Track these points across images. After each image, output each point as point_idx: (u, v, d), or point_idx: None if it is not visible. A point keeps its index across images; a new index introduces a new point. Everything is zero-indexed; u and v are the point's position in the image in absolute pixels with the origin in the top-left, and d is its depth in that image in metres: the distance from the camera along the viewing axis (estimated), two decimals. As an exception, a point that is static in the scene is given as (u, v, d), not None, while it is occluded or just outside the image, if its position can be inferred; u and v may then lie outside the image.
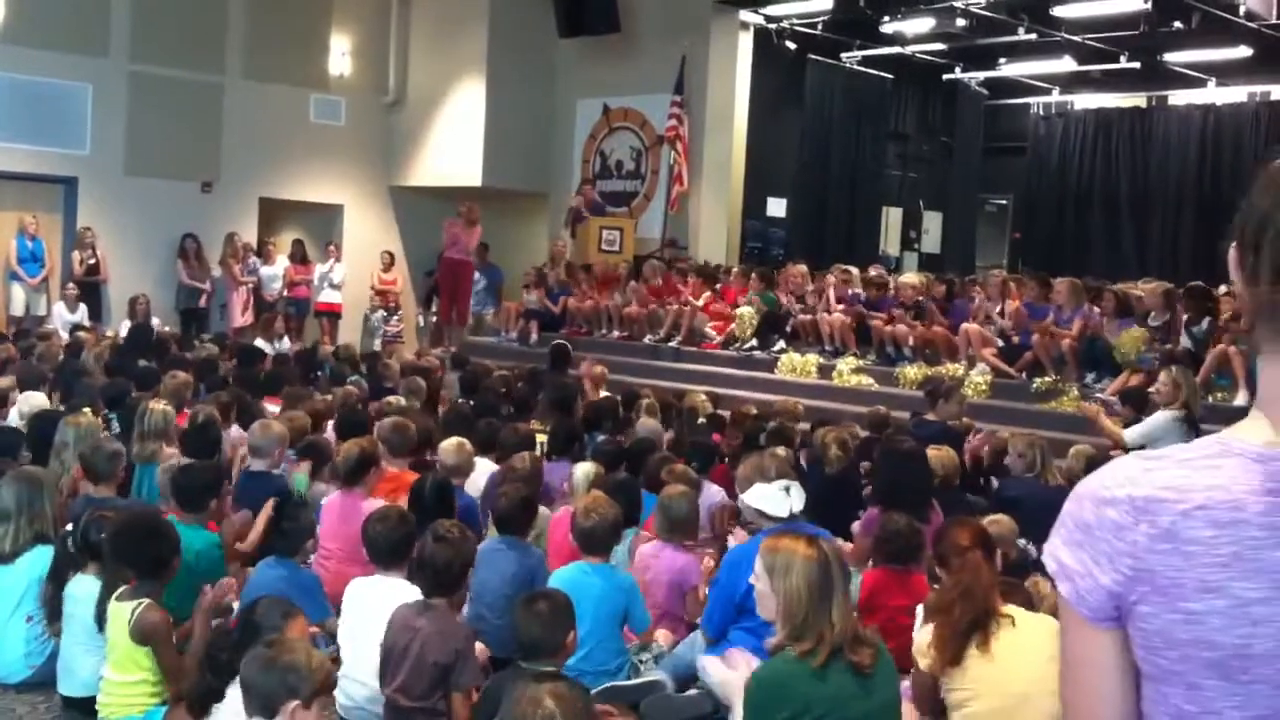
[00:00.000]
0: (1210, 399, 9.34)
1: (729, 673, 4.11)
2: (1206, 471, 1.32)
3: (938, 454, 6.83)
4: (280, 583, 4.80)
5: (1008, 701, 3.78)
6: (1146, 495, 1.33)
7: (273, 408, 8.45)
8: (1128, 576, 1.34)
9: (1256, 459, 1.30)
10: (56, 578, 4.93)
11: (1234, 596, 1.27)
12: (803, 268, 13.34)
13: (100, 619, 4.60)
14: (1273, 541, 1.27)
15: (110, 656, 4.46)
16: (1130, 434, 8.36)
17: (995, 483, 7.85)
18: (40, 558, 5.11)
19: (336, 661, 4.74)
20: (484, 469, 6.99)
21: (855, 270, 13.19)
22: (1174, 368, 8.73)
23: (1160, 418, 8.37)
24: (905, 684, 4.43)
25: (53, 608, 4.93)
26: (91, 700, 4.55)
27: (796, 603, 3.60)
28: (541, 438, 7.97)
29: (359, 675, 4.59)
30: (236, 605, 4.83)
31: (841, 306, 12.46)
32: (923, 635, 4.68)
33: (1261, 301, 1.31)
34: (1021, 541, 5.46)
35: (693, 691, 4.98)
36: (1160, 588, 1.31)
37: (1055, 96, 20.43)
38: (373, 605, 4.60)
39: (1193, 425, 8.23)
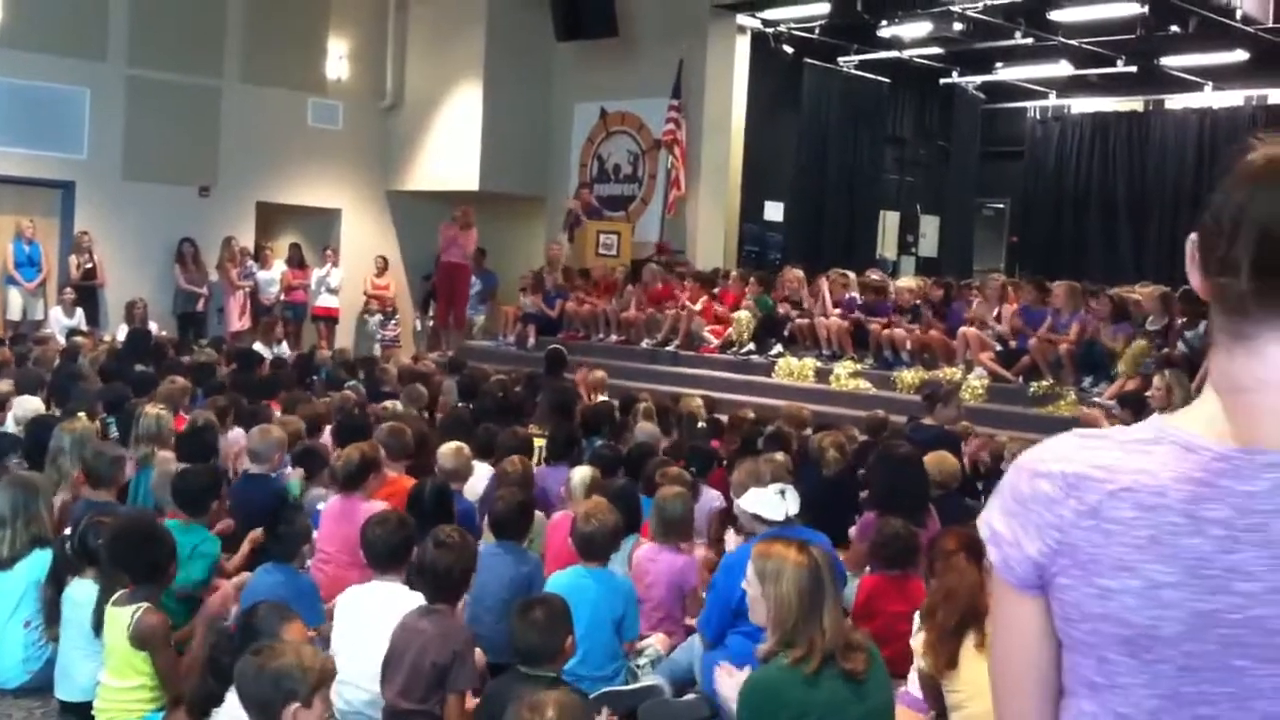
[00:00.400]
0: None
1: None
2: (1138, 455, 1.35)
3: (935, 459, 6.83)
4: (278, 588, 4.79)
5: None
6: (1078, 472, 1.36)
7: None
8: (1052, 549, 1.37)
9: (1187, 447, 1.33)
10: (55, 582, 4.93)
11: (1147, 578, 1.31)
12: (798, 272, 13.34)
13: (98, 624, 4.60)
14: (1190, 529, 1.29)
15: (108, 662, 4.46)
16: None
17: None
18: (38, 562, 5.10)
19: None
20: (483, 474, 6.99)
21: (852, 275, 13.19)
22: (1168, 372, 8.73)
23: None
24: (901, 689, 4.44)
25: (51, 612, 4.93)
26: (89, 705, 4.55)
27: (787, 610, 3.60)
28: (540, 442, 7.97)
29: (355, 680, 4.58)
30: (235, 610, 4.83)
31: (838, 311, 12.47)
32: (919, 639, 4.70)
33: (1227, 292, 1.33)
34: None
35: (690, 696, 4.98)
36: (1080, 562, 1.35)
37: (1052, 100, 20.44)
38: (369, 611, 4.60)
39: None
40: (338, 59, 17.03)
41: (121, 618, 4.38)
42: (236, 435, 7.83)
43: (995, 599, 1.47)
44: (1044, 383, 10.54)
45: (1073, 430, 1.45)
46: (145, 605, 4.39)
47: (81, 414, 7.50)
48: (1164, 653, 1.31)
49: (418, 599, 4.49)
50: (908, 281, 13.07)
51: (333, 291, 16.47)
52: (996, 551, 1.43)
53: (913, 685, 4.56)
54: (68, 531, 5.13)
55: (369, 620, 4.54)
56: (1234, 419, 1.33)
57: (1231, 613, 1.28)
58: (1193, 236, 1.41)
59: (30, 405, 8.11)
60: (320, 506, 6.31)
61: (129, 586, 4.55)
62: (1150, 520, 1.31)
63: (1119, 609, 1.32)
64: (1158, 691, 1.33)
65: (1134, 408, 8.99)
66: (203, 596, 5.21)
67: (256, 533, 5.63)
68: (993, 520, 1.45)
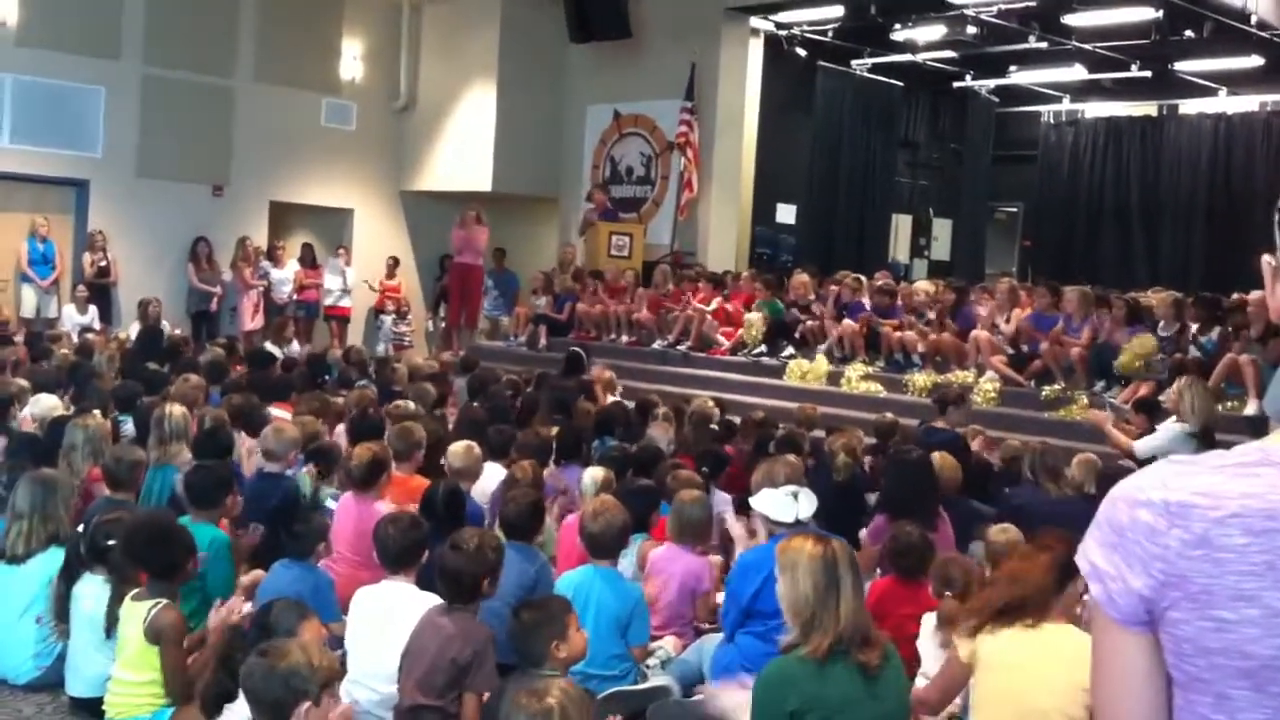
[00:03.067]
0: (1220, 408, 9.30)
1: (737, 693, 4.09)
2: (1243, 479, 1.30)
3: (941, 460, 6.82)
4: (295, 584, 4.81)
5: (1024, 711, 3.71)
6: (1180, 500, 1.31)
7: (280, 413, 8.45)
8: (1159, 581, 1.32)
9: None
10: (66, 578, 4.95)
11: (1267, 606, 1.26)
12: (804, 278, 13.33)
13: (110, 621, 4.62)
14: None
15: (121, 655, 4.47)
16: (1140, 445, 8.34)
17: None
18: (52, 559, 5.13)
19: (343, 666, 4.76)
20: (495, 474, 6.99)
21: (865, 279, 13.15)
22: (1183, 379, 8.69)
23: (1169, 430, 8.35)
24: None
25: (60, 608, 4.95)
26: (99, 701, 4.57)
27: (803, 601, 3.62)
28: (552, 442, 7.98)
29: (366, 680, 4.60)
30: (246, 607, 4.85)
31: (846, 321, 12.44)
32: (926, 642, 4.69)
33: None
34: (1028, 550, 5.44)
35: (699, 696, 4.99)
36: (1191, 594, 1.30)
37: (1066, 105, 20.40)
38: (380, 611, 4.61)
39: (1206, 438, 8.17)
40: (351, 59, 17.08)
41: (138, 612, 4.41)
42: (241, 435, 7.85)
43: (1098, 635, 1.41)
44: (1055, 386, 10.51)
45: (1165, 458, 1.40)
46: (164, 601, 4.41)
47: (96, 411, 7.52)
48: None
49: (430, 599, 4.50)
50: (921, 284, 13.04)
51: (345, 291, 16.52)
52: (1100, 587, 1.38)
53: (921, 683, 4.56)
54: (80, 528, 5.15)
55: (380, 620, 4.56)
56: None
57: None
58: (1269, 258, 1.36)
59: (47, 403, 8.14)
60: (331, 505, 6.34)
61: (142, 583, 4.58)
62: (1264, 545, 1.26)
63: (1239, 641, 1.27)
64: None
65: (1149, 412, 8.96)
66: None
67: (254, 538, 5.65)
68: (1091, 555, 1.40)
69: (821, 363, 12.10)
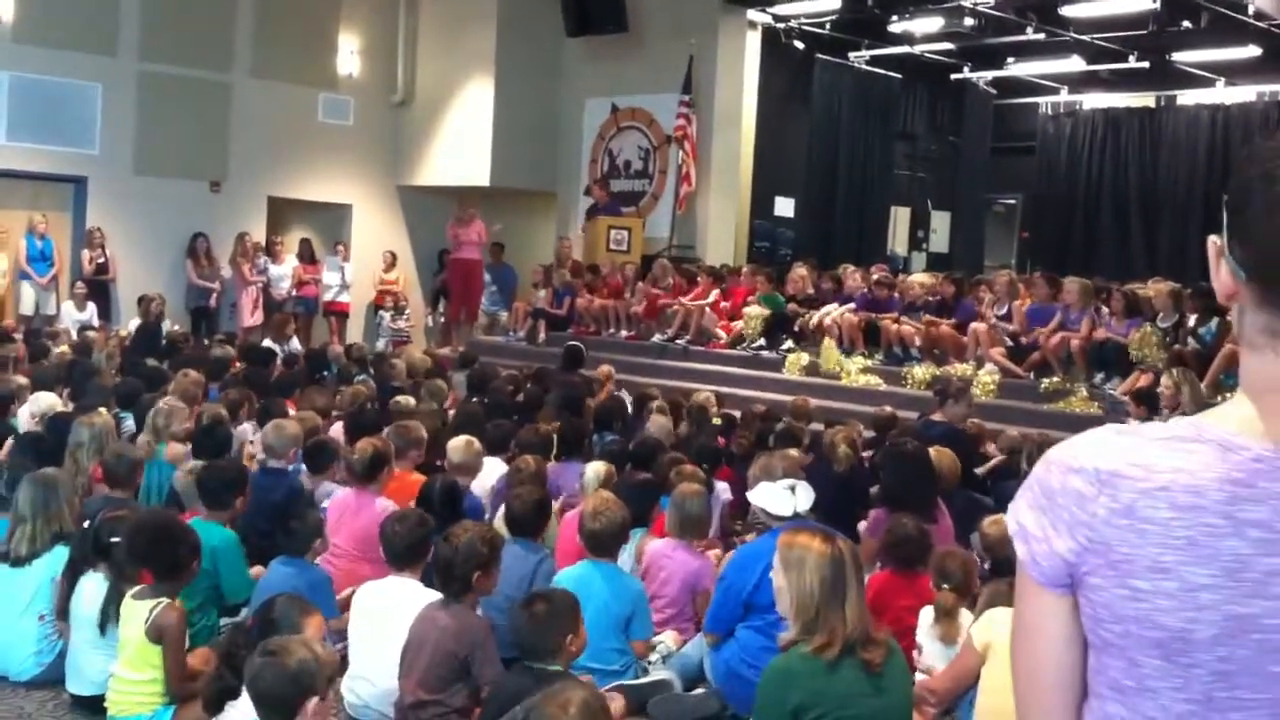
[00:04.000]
0: (1220, 399, 9.31)
1: None
2: (1176, 453, 1.31)
3: (938, 455, 6.83)
4: (291, 580, 4.82)
5: None
6: (1112, 469, 1.33)
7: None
8: (1083, 546, 1.34)
9: (1226, 447, 1.30)
10: (70, 576, 4.95)
11: (1183, 580, 1.28)
12: (804, 270, 13.33)
13: (105, 618, 4.62)
14: (1228, 530, 1.27)
15: (122, 654, 4.48)
16: None
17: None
18: (56, 558, 5.13)
19: (344, 660, 4.77)
20: (495, 469, 7.00)
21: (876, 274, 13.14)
22: (1175, 370, 8.71)
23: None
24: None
25: (63, 605, 4.96)
26: (100, 699, 4.57)
27: (809, 598, 3.61)
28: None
29: (368, 675, 4.61)
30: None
31: (851, 305, 12.45)
32: (925, 632, 4.70)
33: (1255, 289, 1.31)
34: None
35: (700, 691, 5.00)
36: (1113, 562, 1.32)
37: (1064, 96, 20.39)
38: (384, 605, 4.62)
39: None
40: (349, 54, 17.06)
41: (140, 611, 4.41)
42: (245, 429, 7.87)
43: (1020, 596, 1.44)
44: (1055, 379, 10.52)
45: (1106, 425, 1.42)
46: (165, 600, 4.41)
47: (101, 409, 7.53)
48: (1198, 656, 1.28)
49: (434, 595, 4.51)
50: (919, 277, 13.04)
51: (344, 286, 16.52)
52: (1024, 547, 1.40)
53: (920, 677, 4.56)
54: (85, 525, 5.15)
55: (384, 615, 4.57)
56: (1273, 420, 1.30)
57: (1270, 617, 1.26)
58: (1214, 239, 1.38)
59: (47, 401, 8.14)
60: (325, 503, 6.34)
61: (142, 581, 4.58)
62: (1187, 520, 1.28)
63: (1153, 610, 1.29)
64: (1189, 695, 1.30)
65: (1149, 404, 8.98)
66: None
67: None
68: (1020, 515, 1.42)
69: (831, 350, 12.07)
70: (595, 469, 6.44)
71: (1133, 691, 1.34)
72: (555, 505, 6.53)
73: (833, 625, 3.58)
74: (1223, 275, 1.37)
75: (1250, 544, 1.26)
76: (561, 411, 8.81)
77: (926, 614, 4.77)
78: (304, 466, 6.78)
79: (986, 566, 5.52)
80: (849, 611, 3.60)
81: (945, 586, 4.73)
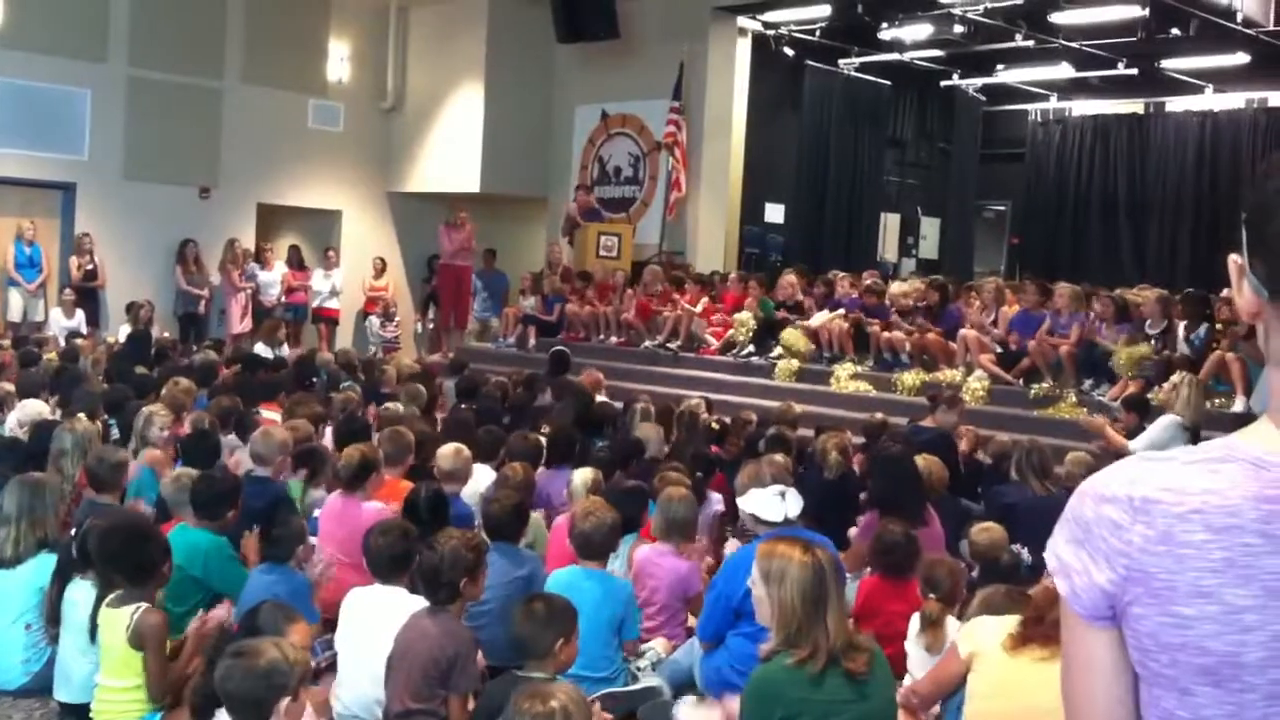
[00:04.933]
0: (1209, 405, 9.33)
1: (706, 712, 4.06)
2: (1206, 475, 1.30)
3: (925, 462, 6.83)
4: (273, 588, 4.80)
5: (1024, 707, 3.66)
6: (1145, 495, 1.32)
7: (270, 414, 8.44)
8: (1122, 576, 1.32)
9: (1257, 465, 1.28)
10: (59, 583, 4.93)
11: (1226, 603, 1.26)
12: (792, 278, 13.34)
13: (93, 625, 4.60)
14: (1267, 549, 1.25)
15: (105, 662, 4.46)
16: (1136, 443, 8.36)
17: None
18: (42, 565, 5.11)
19: (332, 667, 4.75)
20: (486, 476, 6.98)
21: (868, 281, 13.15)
22: (1181, 374, 8.75)
23: (1164, 423, 8.39)
24: (900, 689, 4.43)
25: (53, 613, 4.93)
26: (88, 707, 4.55)
27: (790, 610, 3.60)
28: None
29: (356, 681, 4.59)
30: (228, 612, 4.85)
31: (840, 311, 12.46)
32: (914, 641, 4.69)
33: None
34: (1015, 547, 5.44)
35: (690, 698, 4.98)
36: (1153, 590, 1.30)
37: (1053, 103, 20.44)
38: (371, 613, 4.60)
39: (1193, 434, 8.24)
40: (339, 60, 17.05)
41: (119, 618, 4.39)
42: (231, 439, 7.83)
43: (1066, 632, 1.42)
44: (1044, 385, 10.53)
45: (1137, 453, 1.41)
46: (144, 606, 4.39)
47: (83, 415, 7.50)
48: (1250, 681, 1.26)
49: (420, 603, 4.50)
50: (902, 285, 13.05)
51: (334, 293, 16.50)
52: (1065, 582, 1.39)
53: (908, 683, 4.56)
54: (73, 533, 5.13)
55: (371, 623, 4.55)
56: None
57: None
58: (1234, 257, 1.36)
59: (33, 408, 8.11)
60: (317, 512, 6.32)
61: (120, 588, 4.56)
62: (1224, 542, 1.26)
63: (1198, 637, 1.27)
64: None
65: (1138, 410, 8.99)
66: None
67: (253, 540, 5.62)
68: (1059, 550, 1.40)
69: (798, 337, 12.10)
70: (583, 475, 6.43)
71: None
72: (540, 513, 6.53)
73: (815, 638, 3.56)
74: (1245, 294, 1.35)
75: None
76: (575, 422, 8.71)
77: (915, 622, 4.76)
78: (301, 472, 6.76)
79: (975, 574, 5.52)
80: (831, 623, 3.59)
81: (932, 596, 4.72)
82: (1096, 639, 1.38)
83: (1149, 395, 9.38)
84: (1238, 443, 1.32)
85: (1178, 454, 1.35)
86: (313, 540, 6.03)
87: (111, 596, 4.49)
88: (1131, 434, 8.67)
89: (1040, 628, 3.70)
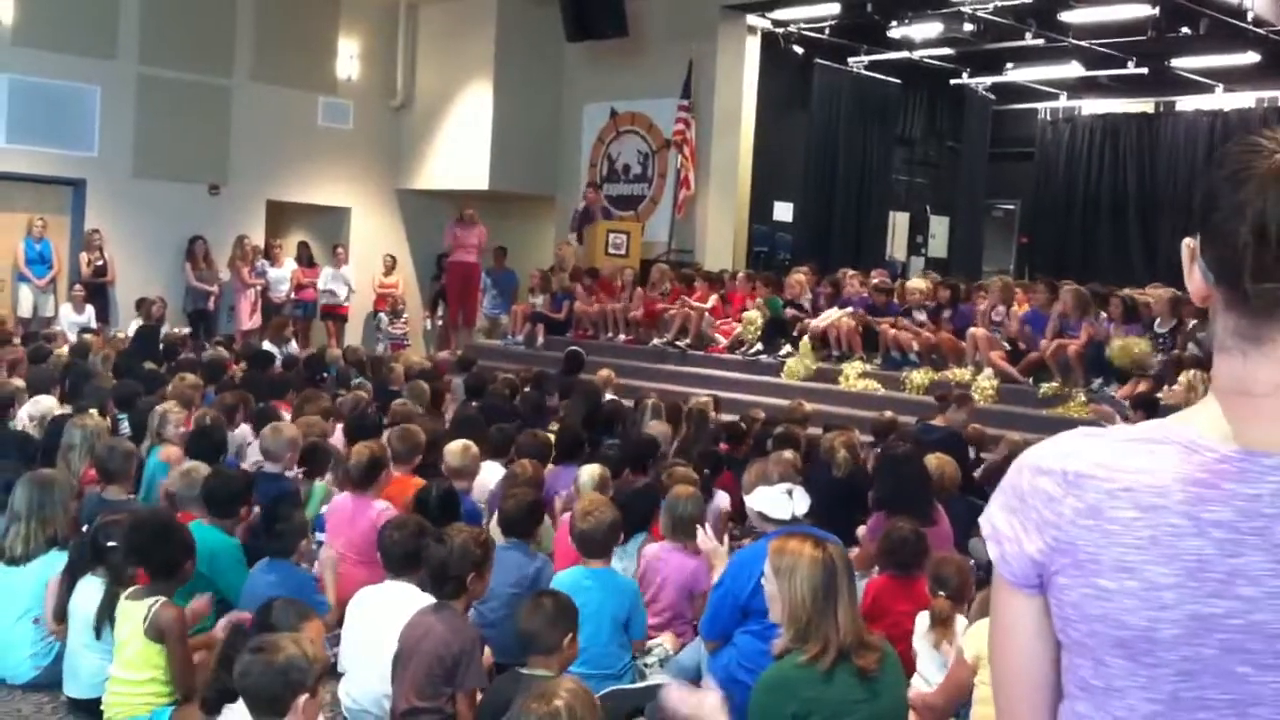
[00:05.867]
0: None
1: (696, 694, 4.05)
2: (1141, 455, 1.33)
3: (938, 462, 6.82)
4: (278, 587, 4.81)
5: None
6: (1079, 470, 1.35)
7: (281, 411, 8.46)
8: (1051, 547, 1.36)
9: (1190, 448, 1.31)
10: (69, 578, 4.94)
11: (1146, 580, 1.29)
12: (801, 276, 13.33)
13: (100, 621, 4.62)
14: (1191, 530, 1.27)
15: (119, 655, 4.47)
16: None
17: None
18: (50, 561, 5.13)
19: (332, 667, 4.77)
20: (495, 473, 6.99)
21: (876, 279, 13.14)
22: (1193, 372, 8.72)
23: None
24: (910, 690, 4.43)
25: (60, 608, 4.95)
26: (97, 702, 4.57)
27: (801, 606, 3.60)
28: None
29: (364, 677, 4.60)
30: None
31: (848, 309, 12.45)
32: (922, 639, 4.69)
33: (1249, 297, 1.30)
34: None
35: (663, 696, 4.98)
36: (1079, 561, 1.33)
37: (1063, 102, 20.39)
38: (381, 610, 4.61)
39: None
40: (348, 58, 17.07)
41: (137, 611, 4.41)
42: (243, 432, 7.86)
43: (995, 597, 1.46)
44: (1053, 384, 10.52)
45: (1077, 427, 1.43)
46: (162, 599, 4.41)
47: (94, 410, 7.52)
48: (1162, 656, 1.29)
49: (430, 599, 4.51)
50: (916, 282, 13.04)
51: (352, 291, 16.50)
52: (996, 548, 1.42)
53: (917, 683, 4.56)
54: (84, 529, 5.15)
55: (380, 619, 4.56)
56: (1239, 421, 1.31)
57: (1232, 617, 1.26)
58: (1189, 241, 1.38)
59: (45, 404, 8.13)
60: (323, 510, 6.32)
61: (139, 582, 4.58)
62: (1150, 521, 1.29)
63: (1117, 610, 1.30)
64: (1155, 695, 1.30)
65: (1147, 409, 8.97)
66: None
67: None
68: (993, 517, 1.44)
69: (805, 352, 12.10)
70: (590, 472, 6.43)
71: (1100, 691, 1.35)
72: (557, 507, 6.54)
73: (826, 633, 3.56)
74: (1195, 278, 1.38)
75: (1213, 544, 1.27)
76: (585, 423, 8.72)
77: (923, 620, 4.76)
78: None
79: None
80: (841, 618, 3.58)
81: (941, 594, 4.72)
82: (1023, 605, 1.41)
83: (1159, 395, 9.35)
84: (1174, 425, 1.35)
85: (1115, 431, 1.39)
86: (320, 536, 6.06)
87: (132, 590, 4.52)
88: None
89: None
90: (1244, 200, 1.28)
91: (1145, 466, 1.32)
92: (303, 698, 3.26)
